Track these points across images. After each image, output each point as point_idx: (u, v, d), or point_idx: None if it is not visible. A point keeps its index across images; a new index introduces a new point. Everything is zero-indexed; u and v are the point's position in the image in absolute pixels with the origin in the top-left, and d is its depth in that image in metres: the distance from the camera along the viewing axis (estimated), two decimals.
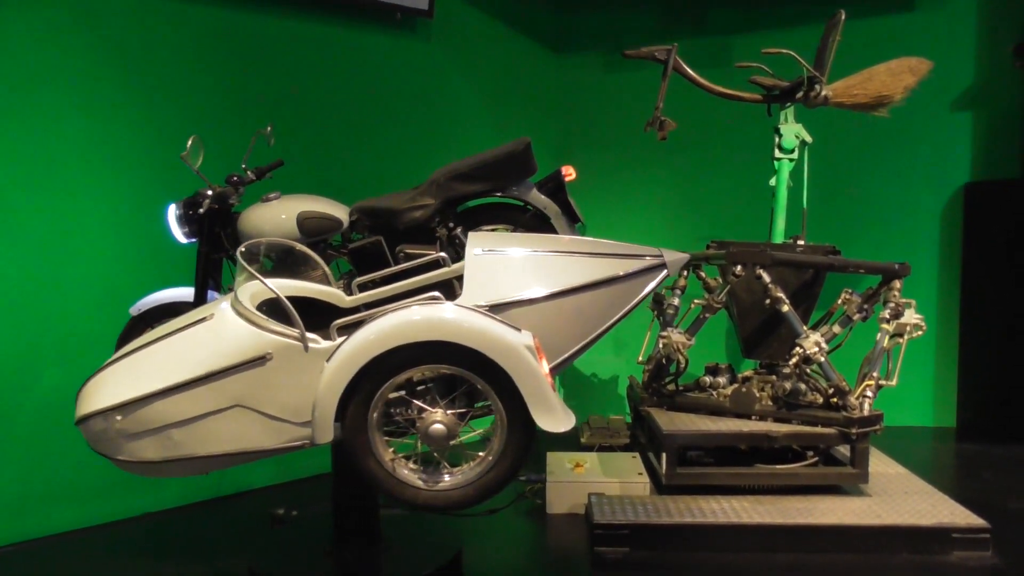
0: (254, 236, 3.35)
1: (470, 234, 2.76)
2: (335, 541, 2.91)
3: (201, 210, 3.35)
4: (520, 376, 2.33)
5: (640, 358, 4.28)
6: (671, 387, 4.03)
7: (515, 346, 2.32)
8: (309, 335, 2.46)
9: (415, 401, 2.51)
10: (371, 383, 2.42)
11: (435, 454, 2.58)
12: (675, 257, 2.59)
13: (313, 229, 3.43)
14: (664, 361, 3.96)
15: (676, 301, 4.15)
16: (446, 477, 2.55)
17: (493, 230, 3.56)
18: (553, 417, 2.35)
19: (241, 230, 3.41)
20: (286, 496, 3.88)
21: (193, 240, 3.44)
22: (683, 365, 3.89)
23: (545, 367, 2.37)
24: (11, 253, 3.48)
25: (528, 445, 2.46)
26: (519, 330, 2.38)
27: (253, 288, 2.65)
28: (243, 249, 2.65)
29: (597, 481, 3.70)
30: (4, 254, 3.47)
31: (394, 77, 4.66)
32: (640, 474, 3.75)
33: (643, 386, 4.14)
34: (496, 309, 2.47)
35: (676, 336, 3.83)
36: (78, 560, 3.35)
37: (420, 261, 2.86)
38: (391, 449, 2.54)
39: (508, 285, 2.51)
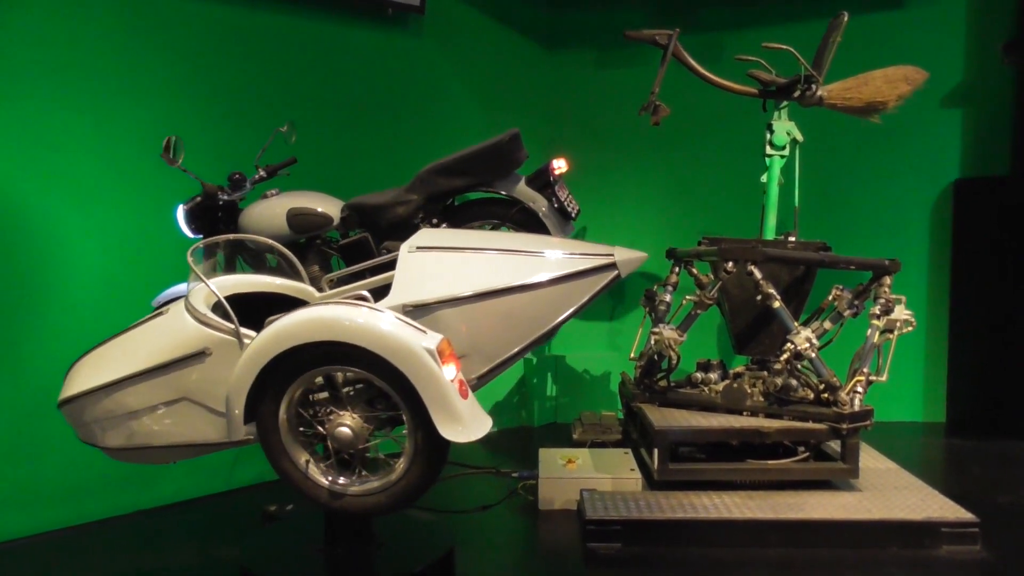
0: (250, 231, 3.38)
1: (421, 231, 2.67)
2: (327, 538, 2.90)
3: (186, 207, 3.38)
4: (419, 381, 2.20)
5: (632, 354, 4.29)
6: (663, 383, 4.04)
7: (412, 349, 2.19)
8: (245, 331, 2.44)
9: (330, 404, 2.45)
10: (277, 383, 2.38)
11: (344, 456, 2.52)
12: (627, 257, 2.41)
13: (302, 225, 3.43)
14: (656, 357, 3.97)
15: (668, 297, 4.16)
16: (360, 483, 2.48)
17: (496, 227, 3.54)
18: (457, 426, 2.21)
19: (240, 225, 3.43)
20: (279, 493, 3.87)
21: (200, 236, 3.45)
22: (675, 361, 3.89)
23: (451, 372, 2.24)
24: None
25: (438, 453, 2.34)
26: (425, 332, 2.25)
27: (217, 284, 2.67)
28: (198, 246, 2.65)
29: (589, 477, 3.71)
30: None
31: (385, 73, 4.65)
32: (632, 470, 3.76)
33: (635, 382, 4.15)
34: (422, 309, 2.38)
35: (668, 332, 3.85)
36: (70, 557, 3.34)
37: (385, 258, 2.80)
38: (307, 450, 2.50)
39: (437, 284, 2.41)
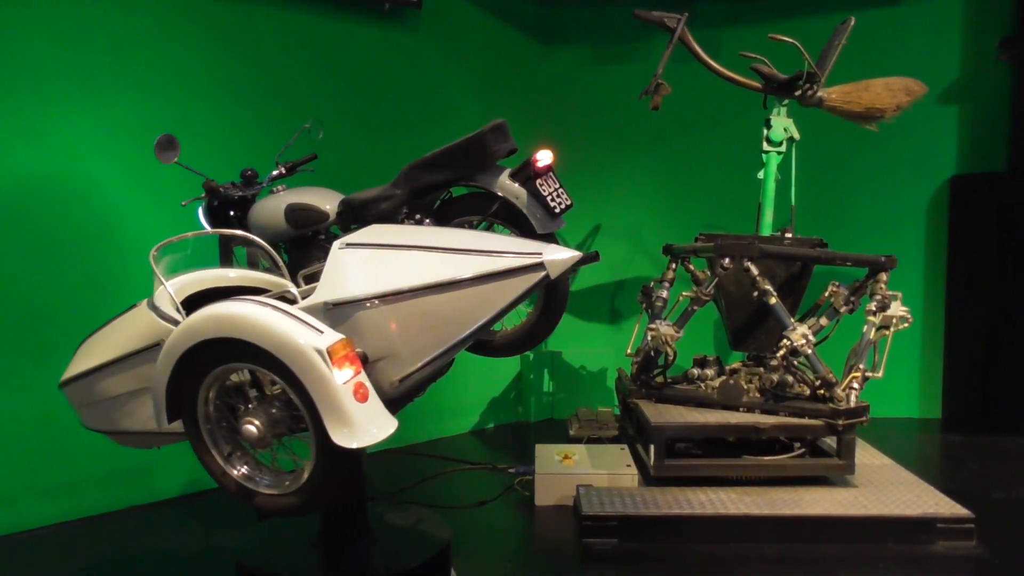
0: (255, 226, 3.40)
1: (366, 228, 2.58)
2: (323, 532, 2.90)
3: (203, 204, 3.42)
4: (308, 381, 2.14)
5: (629, 350, 4.29)
6: (659, 379, 4.04)
7: (301, 348, 2.13)
8: None
9: (254, 401, 2.43)
10: (192, 377, 2.38)
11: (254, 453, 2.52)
12: (557, 256, 2.20)
13: (299, 220, 3.42)
14: (652, 353, 3.97)
15: (664, 293, 4.16)
16: (272, 482, 2.47)
17: (480, 222, 3.51)
18: (346, 430, 2.12)
19: (248, 221, 3.44)
20: None
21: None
22: (671, 357, 3.89)
23: (345, 375, 2.15)
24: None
25: (340, 456, 2.24)
26: (321, 332, 2.18)
27: (187, 279, 2.69)
28: (161, 245, 2.65)
29: (585, 473, 3.71)
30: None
31: (382, 68, 4.64)
32: (628, 466, 3.76)
33: (631, 378, 4.15)
34: (342, 307, 2.31)
35: (664, 328, 3.84)
36: (65, 553, 3.33)
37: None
38: (228, 445, 2.49)
39: (358, 282, 2.33)
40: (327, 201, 3.48)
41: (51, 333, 3.55)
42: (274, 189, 3.52)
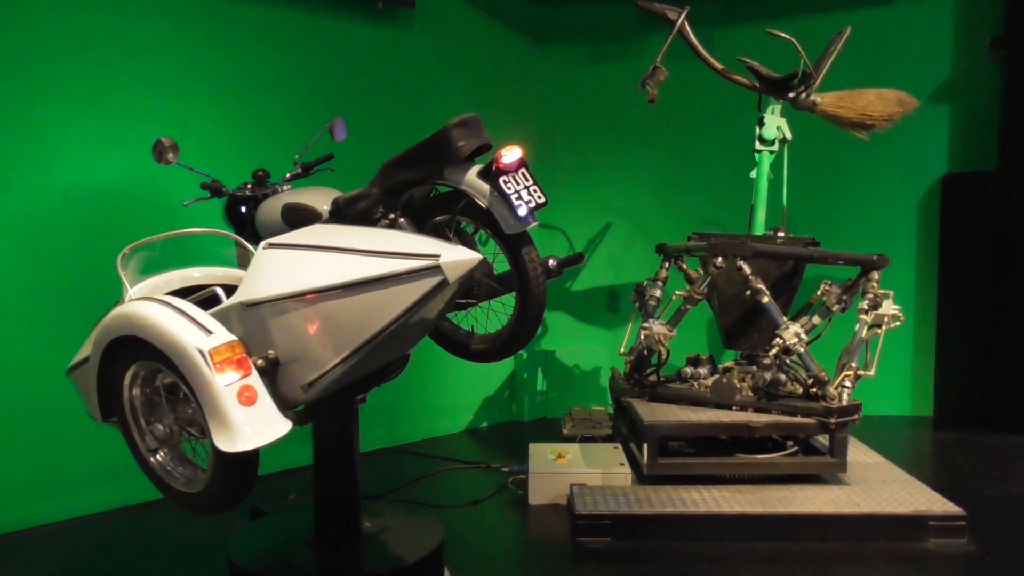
0: (260, 226, 3.39)
1: (306, 228, 2.58)
2: (316, 531, 2.90)
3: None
4: (192, 381, 2.13)
5: (622, 349, 4.30)
6: (652, 378, 4.05)
7: (184, 348, 2.12)
8: None
9: (164, 399, 2.44)
10: (113, 374, 2.42)
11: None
12: (455, 259, 2.07)
13: (293, 220, 3.41)
14: (646, 352, 3.98)
15: (658, 292, 4.17)
16: (184, 479, 2.48)
17: (449, 221, 3.46)
18: (225, 433, 2.09)
19: (256, 220, 3.44)
20: (268, 487, 3.86)
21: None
22: (664, 356, 3.90)
23: (229, 377, 2.12)
24: None
25: (230, 458, 2.20)
26: (210, 332, 2.16)
27: (157, 280, 2.72)
28: (132, 247, 2.65)
29: (579, 472, 3.71)
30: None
31: (376, 67, 4.63)
32: (622, 464, 3.77)
33: (625, 377, 4.15)
34: (254, 308, 2.28)
35: (658, 327, 3.85)
36: (59, 552, 3.32)
37: None
38: (152, 439, 2.50)
39: (268, 283, 2.29)
40: (323, 200, 3.46)
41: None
42: (281, 188, 3.50)
